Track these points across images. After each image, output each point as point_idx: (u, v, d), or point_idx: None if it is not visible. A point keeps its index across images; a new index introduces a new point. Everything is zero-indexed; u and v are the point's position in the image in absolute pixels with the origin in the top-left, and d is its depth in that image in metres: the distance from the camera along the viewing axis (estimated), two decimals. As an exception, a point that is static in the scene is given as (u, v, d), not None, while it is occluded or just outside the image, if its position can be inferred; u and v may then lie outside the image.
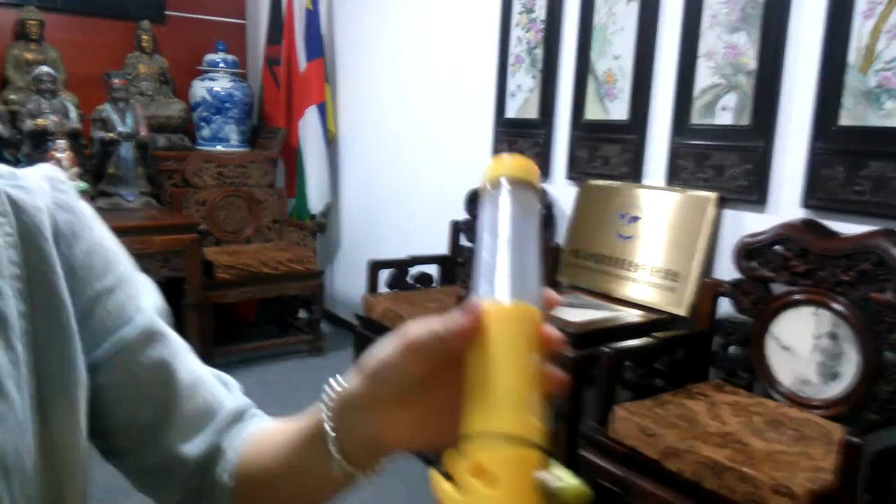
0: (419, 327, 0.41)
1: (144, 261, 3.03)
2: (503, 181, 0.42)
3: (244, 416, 0.58)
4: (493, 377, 0.37)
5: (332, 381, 0.47)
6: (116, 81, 3.39)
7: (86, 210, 0.53)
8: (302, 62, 3.83)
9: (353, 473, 0.47)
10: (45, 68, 3.30)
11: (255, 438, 0.55)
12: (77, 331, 0.49)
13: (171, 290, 3.21)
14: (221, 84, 3.94)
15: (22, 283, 0.46)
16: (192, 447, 0.54)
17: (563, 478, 0.37)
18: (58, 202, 0.50)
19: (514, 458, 0.35)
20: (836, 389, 1.72)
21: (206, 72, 3.98)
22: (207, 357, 3.21)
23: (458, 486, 0.35)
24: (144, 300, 0.55)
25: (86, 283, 0.50)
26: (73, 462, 0.49)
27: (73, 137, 3.27)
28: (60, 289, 0.48)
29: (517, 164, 0.43)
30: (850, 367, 1.69)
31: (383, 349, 0.43)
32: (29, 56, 3.63)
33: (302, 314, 4.00)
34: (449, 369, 0.41)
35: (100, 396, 0.51)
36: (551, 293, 0.41)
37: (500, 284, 0.39)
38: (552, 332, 0.39)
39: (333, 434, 0.46)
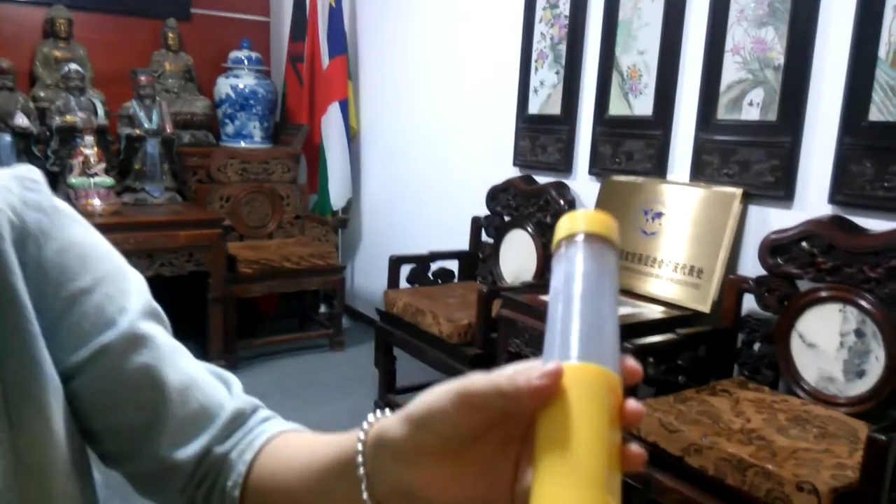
0: (482, 380, 0.37)
1: (169, 255, 3.07)
2: (579, 237, 0.39)
3: (247, 418, 0.56)
4: (570, 449, 0.33)
5: (370, 417, 0.44)
6: (143, 79, 3.44)
7: (61, 209, 0.51)
8: (325, 59, 3.86)
9: None
10: (73, 66, 3.35)
11: (272, 453, 0.53)
12: (43, 333, 0.47)
13: (195, 284, 3.26)
14: (245, 81, 3.97)
15: None
16: (187, 452, 0.52)
17: None
18: (26, 201, 0.48)
19: None
20: (861, 387, 1.70)
21: (231, 69, 4.02)
22: (230, 350, 3.25)
23: None
24: (130, 300, 0.52)
25: (59, 285, 0.48)
26: (50, 469, 0.47)
27: (101, 134, 3.32)
28: (19, 291, 0.46)
29: (595, 218, 0.40)
30: (876, 364, 1.67)
31: (435, 396, 0.39)
32: (58, 54, 3.70)
33: (322, 309, 4.03)
34: (503, 426, 0.38)
35: (82, 401, 0.50)
36: (632, 362, 0.37)
37: (578, 346, 0.36)
38: (633, 404, 0.35)
39: (365, 476, 0.43)
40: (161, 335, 0.54)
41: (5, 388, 0.45)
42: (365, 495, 0.43)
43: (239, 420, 0.56)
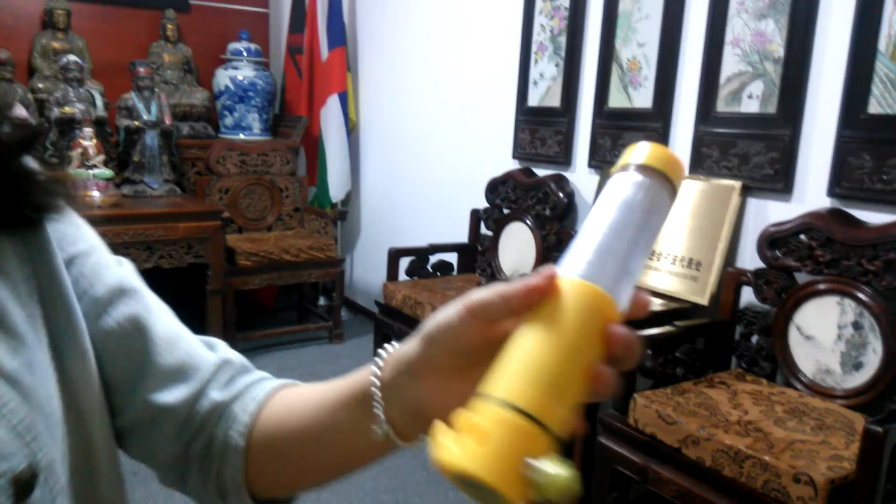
0: (485, 289, 0.39)
1: (169, 247, 3.07)
2: (633, 167, 0.39)
3: (239, 370, 0.57)
4: (535, 348, 0.35)
5: (387, 345, 0.46)
6: (141, 70, 3.43)
7: None
8: (324, 51, 3.85)
9: (395, 441, 0.45)
10: (71, 57, 3.34)
11: (279, 402, 0.54)
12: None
13: (194, 276, 3.26)
14: (244, 73, 3.96)
15: (21, 245, 0.48)
16: (176, 395, 0.54)
17: (557, 470, 0.32)
18: None
19: (514, 427, 0.33)
20: (858, 379, 1.70)
21: (230, 60, 4.01)
22: (229, 342, 3.23)
23: (452, 439, 0.33)
24: (119, 266, 0.55)
25: (60, 247, 0.51)
26: (91, 409, 0.50)
27: (99, 125, 3.31)
28: (52, 245, 0.50)
29: (655, 153, 0.39)
30: (873, 357, 1.68)
31: (443, 312, 0.41)
32: (56, 45, 3.69)
33: (322, 301, 4.03)
34: None
35: None
36: (645, 298, 0.37)
37: (584, 266, 0.36)
38: (625, 332, 0.35)
39: (381, 399, 0.44)
40: (148, 291, 0.56)
41: (52, 333, 0.48)
42: (380, 414, 0.44)
43: (229, 370, 0.57)
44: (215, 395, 0.55)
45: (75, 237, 0.53)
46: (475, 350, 0.40)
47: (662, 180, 0.39)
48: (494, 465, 0.32)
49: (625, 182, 0.38)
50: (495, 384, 0.34)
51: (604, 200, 0.39)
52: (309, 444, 0.51)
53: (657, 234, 0.39)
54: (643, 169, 0.38)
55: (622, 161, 0.40)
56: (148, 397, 0.53)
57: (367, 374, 0.46)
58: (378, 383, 0.45)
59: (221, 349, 0.59)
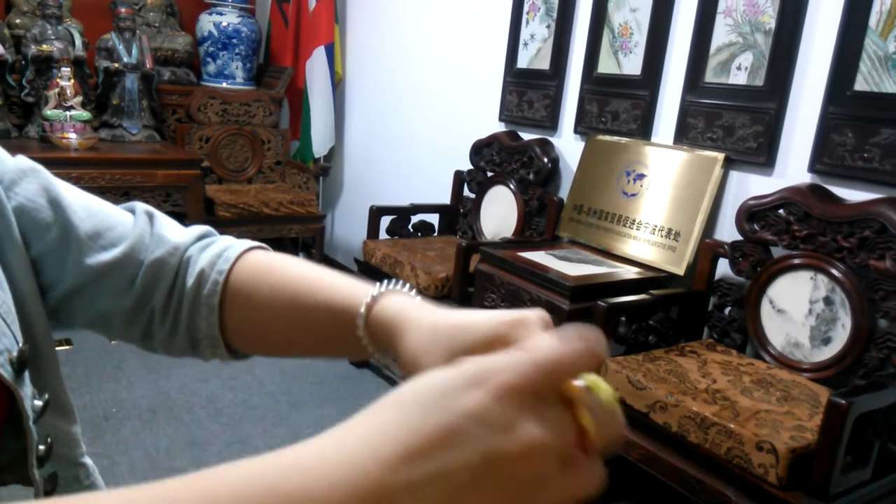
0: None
1: (146, 194, 3.02)
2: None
3: (163, 224, 0.59)
4: None
5: (389, 287, 0.49)
6: (123, 10, 3.33)
7: None
8: (311, 0, 3.76)
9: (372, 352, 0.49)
10: (50, -8, 3.23)
11: (252, 264, 0.56)
12: None
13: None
14: (229, 19, 3.87)
15: None
16: (109, 254, 0.55)
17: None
18: None
19: None
20: (826, 353, 1.73)
21: (214, 5, 3.91)
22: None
23: None
24: (11, 156, 0.56)
25: None
26: (30, 298, 0.53)
27: (78, 66, 3.22)
28: None
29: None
30: (842, 332, 1.71)
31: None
32: (34, -21, 3.56)
33: (301, 257, 4.01)
34: None
35: None
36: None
37: None
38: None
39: (367, 338, 0.48)
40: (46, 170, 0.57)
41: None
42: (363, 335, 0.49)
43: (151, 216, 0.58)
44: (168, 243, 0.57)
45: None
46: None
47: None
48: None
49: None
50: None
51: None
52: (279, 322, 0.54)
53: None
54: None
55: None
56: (83, 261, 0.55)
57: (357, 299, 0.49)
58: (365, 326, 0.48)
59: (140, 205, 0.60)
